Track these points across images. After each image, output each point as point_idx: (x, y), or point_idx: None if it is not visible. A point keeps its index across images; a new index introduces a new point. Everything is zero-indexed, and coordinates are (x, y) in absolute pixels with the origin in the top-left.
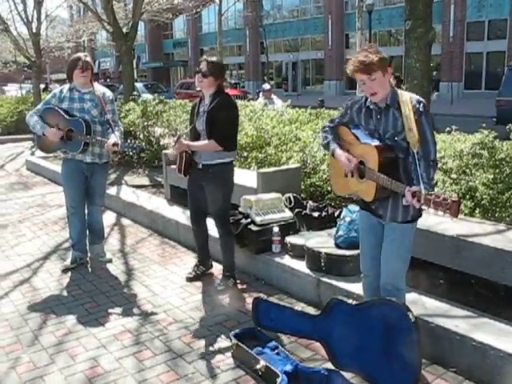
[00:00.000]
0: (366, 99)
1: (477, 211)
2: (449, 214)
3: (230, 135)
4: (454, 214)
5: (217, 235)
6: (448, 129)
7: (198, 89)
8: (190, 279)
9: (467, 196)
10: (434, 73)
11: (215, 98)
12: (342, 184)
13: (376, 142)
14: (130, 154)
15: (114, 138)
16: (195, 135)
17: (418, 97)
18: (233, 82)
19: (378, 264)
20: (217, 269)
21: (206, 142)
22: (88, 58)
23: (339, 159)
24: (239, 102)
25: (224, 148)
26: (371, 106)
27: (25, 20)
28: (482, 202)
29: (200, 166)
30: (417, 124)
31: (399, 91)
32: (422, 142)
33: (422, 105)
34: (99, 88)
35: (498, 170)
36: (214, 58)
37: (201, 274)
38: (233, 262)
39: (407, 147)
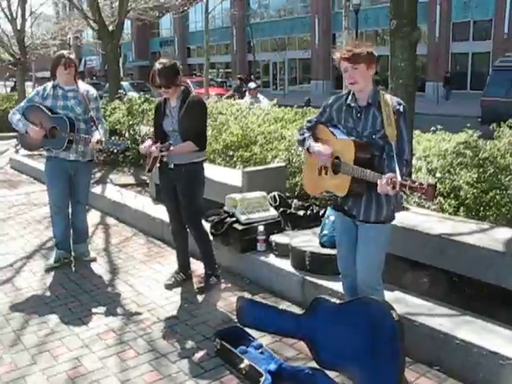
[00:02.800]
0: (347, 97)
1: (461, 210)
2: (424, 198)
3: (204, 135)
4: (430, 197)
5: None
6: (433, 128)
7: (182, 87)
8: (169, 286)
9: (451, 195)
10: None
11: (184, 99)
12: (314, 182)
13: (353, 138)
14: (115, 151)
15: (98, 135)
16: (162, 135)
17: (398, 99)
18: (219, 80)
19: (354, 264)
20: (200, 268)
21: (184, 143)
22: (72, 56)
23: (314, 150)
24: (226, 101)
25: (199, 148)
26: (352, 104)
27: (9, 17)
28: (466, 201)
29: (171, 166)
30: (396, 123)
31: (381, 92)
32: (398, 140)
33: (402, 106)
34: (83, 86)
35: (481, 169)
36: (160, 66)
37: (181, 282)
38: (213, 260)
39: (383, 145)
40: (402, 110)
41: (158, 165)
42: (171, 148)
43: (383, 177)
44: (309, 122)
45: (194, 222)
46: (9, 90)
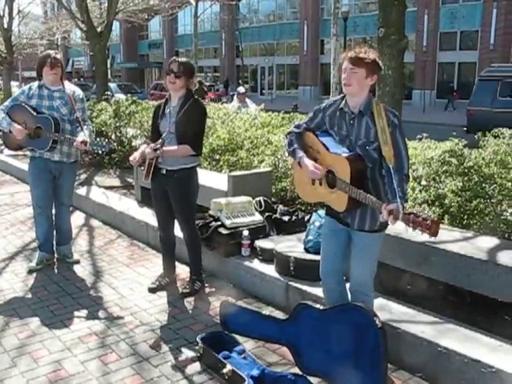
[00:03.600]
0: (341, 102)
1: (445, 218)
2: (428, 234)
3: (201, 140)
4: (433, 234)
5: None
6: (419, 136)
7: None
8: (152, 290)
9: (436, 203)
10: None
11: (186, 101)
12: (309, 191)
13: (346, 153)
14: (100, 152)
15: (83, 136)
16: (158, 137)
17: (392, 109)
18: (207, 84)
19: (336, 269)
20: (185, 272)
21: (180, 146)
22: (58, 55)
23: (307, 169)
24: (213, 105)
25: (195, 153)
26: (345, 109)
27: None
28: (451, 210)
29: (164, 172)
30: (391, 137)
31: (374, 102)
32: (396, 156)
33: (396, 119)
34: (69, 86)
35: (466, 178)
36: (184, 59)
37: (165, 286)
38: (200, 265)
39: (377, 158)
40: (397, 122)
41: (153, 169)
42: (164, 148)
43: (384, 207)
44: (297, 127)
45: (187, 226)
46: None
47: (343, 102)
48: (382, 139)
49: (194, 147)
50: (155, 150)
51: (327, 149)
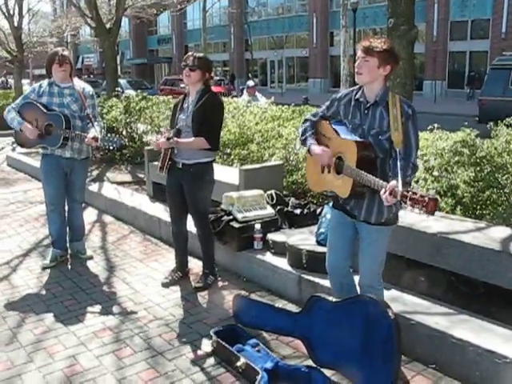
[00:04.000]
0: (357, 92)
1: (458, 209)
2: (425, 212)
3: (217, 135)
4: (431, 211)
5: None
6: (430, 127)
7: (182, 85)
8: (165, 284)
9: (448, 194)
10: None
11: (203, 95)
12: (317, 180)
13: (356, 138)
14: (111, 148)
15: (94, 132)
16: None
17: (408, 101)
18: (217, 78)
19: (342, 262)
20: (198, 266)
21: (196, 138)
22: (66, 52)
23: (314, 153)
24: (223, 99)
25: (211, 147)
26: (361, 99)
27: (6, 14)
28: (463, 200)
29: (180, 166)
30: (403, 126)
31: (391, 92)
32: (405, 144)
33: (411, 109)
34: (79, 83)
35: (478, 168)
36: (201, 54)
37: (178, 280)
38: (213, 259)
39: (389, 148)
40: (410, 112)
41: (169, 162)
42: (179, 140)
43: (385, 185)
44: (313, 115)
45: (201, 221)
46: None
47: (360, 92)
48: (393, 126)
49: (209, 140)
50: (168, 139)
51: (338, 134)
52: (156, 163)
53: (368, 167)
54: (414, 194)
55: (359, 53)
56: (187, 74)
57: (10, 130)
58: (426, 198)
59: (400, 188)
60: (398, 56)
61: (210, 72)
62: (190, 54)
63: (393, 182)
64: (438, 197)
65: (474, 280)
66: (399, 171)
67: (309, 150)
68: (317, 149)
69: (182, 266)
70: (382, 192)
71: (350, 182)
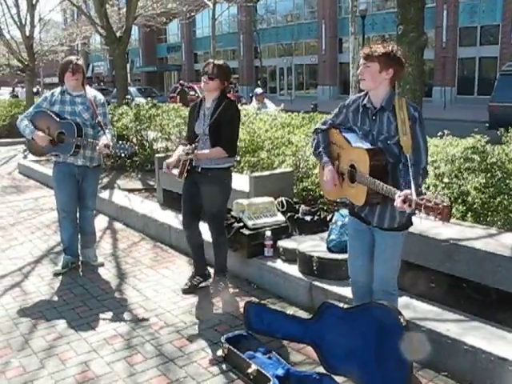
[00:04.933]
0: (364, 98)
1: (468, 215)
2: (440, 219)
3: (234, 142)
4: (445, 218)
5: (209, 239)
6: (440, 133)
7: (192, 93)
8: (185, 291)
9: (459, 200)
10: None
11: (220, 102)
12: (332, 188)
13: (367, 145)
14: (122, 155)
15: (106, 139)
16: (194, 138)
17: (413, 104)
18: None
19: (365, 269)
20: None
21: (213, 149)
22: (79, 61)
23: (326, 175)
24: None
25: (229, 154)
26: (368, 105)
27: (18, 23)
28: (474, 206)
29: (199, 170)
30: (411, 130)
31: (397, 96)
32: (414, 149)
33: (417, 113)
34: (91, 91)
35: (489, 175)
36: (220, 62)
37: (197, 285)
38: (225, 265)
39: (398, 153)
40: (417, 115)
41: (188, 168)
42: (197, 151)
43: (399, 193)
44: (323, 124)
45: (217, 227)
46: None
47: (366, 97)
48: (402, 130)
49: (227, 149)
50: (187, 153)
51: (349, 143)
52: (175, 171)
53: (380, 173)
54: (428, 201)
55: (361, 60)
56: (206, 82)
57: (21, 138)
58: (440, 206)
59: (414, 197)
60: (400, 59)
61: (228, 80)
62: (210, 61)
63: (406, 191)
64: (451, 203)
65: (485, 286)
66: (411, 179)
67: (323, 167)
68: (329, 174)
69: (200, 271)
70: (396, 201)
71: (365, 191)
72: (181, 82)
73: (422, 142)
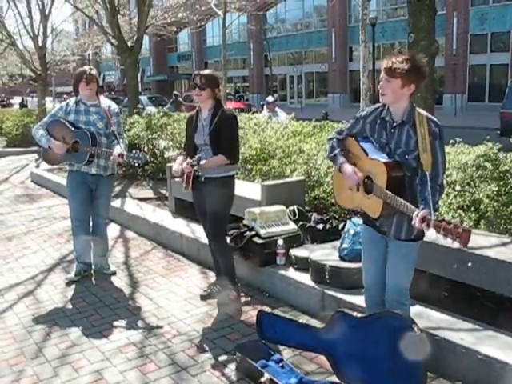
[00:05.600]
0: (382, 110)
1: (481, 223)
2: (458, 242)
3: (236, 148)
4: (464, 243)
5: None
6: (452, 141)
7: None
8: (203, 297)
9: (472, 208)
10: None
11: (216, 111)
12: (346, 197)
13: (385, 159)
14: (135, 165)
15: (120, 149)
16: (193, 149)
17: (435, 119)
18: (237, 95)
19: (380, 278)
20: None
21: (215, 157)
22: (93, 72)
23: (345, 171)
24: (243, 115)
25: (231, 161)
26: (387, 118)
27: (31, 34)
28: (487, 215)
29: (203, 179)
30: (431, 146)
31: (417, 110)
32: (432, 164)
33: (438, 128)
34: (105, 101)
35: (502, 182)
36: (206, 71)
37: (215, 293)
38: (233, 275)
39: (415, 167)
40: (438, 131)
41: (193, 179)
42: (202, 162)
43: (417, 212)
44: (339, 133)
45: (216, 235)
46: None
47: (385, 110)
48: (422, 147)
49: (229, 156)
50: (192, 165)
51: (366, 154)
52: (178, 179)
53: (397, 187)
54: (448, 223)
55: (382, 73)
56: (198, 94)
57: (33, 147)
58: (460, 230)
59: (432, 217)
60: (423, 71)
61: (218, 87)
62: (196, 72)
63: (424, 211)
64: (470, 229)
65: (499, 295)
66: (429, 197)
67: (340, 169)
68: (349, 169)
69: (220, 280)
70: (414, 220)
71: (381, 203)
72: (175, 92)
73: (441, 159)
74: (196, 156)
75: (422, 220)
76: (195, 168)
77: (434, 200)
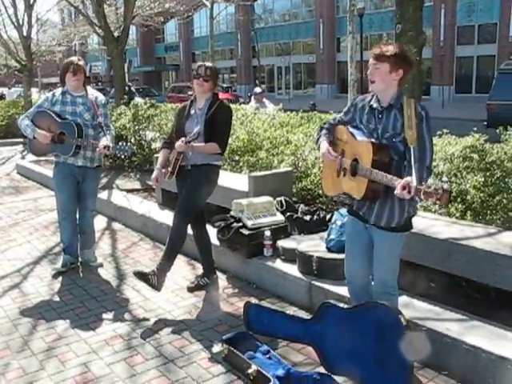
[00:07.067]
0: (371, 99)
1: (468, 214)
2: (439, 204)
3: (227, 140)
4: (445, 202)
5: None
6: (439, 132)
7: (190, 93)
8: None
9: (458, 199)
10: None
11: (213, 102)
12: (332, 183)
13: (372, 140)
14: (122, 157)
15: (106, 140)
16: (180, 136)
17: (422, 104)
18: (225, 85)
19: (363, 270)
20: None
21: (208, 144)
22: (80, 62)
23: (321, 149)
24: (231, 106)
25: (222, 151)
26: (374, 105)
27: (15, 23)
28: (473, 205)
29: (189, 167)
30: (417, 128)
31: (406, 96)
32: (419, 146)
33: (424, 112)
34: (92, 92)
35: (488, 173)
36: (210, 64)
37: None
38: (209, 262)
39: (403, 151)
40: (424, 114)
41: (178, 166)
42: (194, 144)
43: (399, 180)
44: (333, 119)
45: (181, 212)
46: (14, 96)
47: (374, 98)
48: (407, 124)
49: (221, 145)
50: (187, 142)
51: (354, 138)
52: (164, 170)
53: (383, 169)
54: (428, 187)
55: (370, 60)
56: (201, 84)
57: (19, 139)
58: (440, 191)
59: (414, 183)
60: (410, 59)
61: (217, 81)
62: (201, 64)
63: (407, 178)
64: (451, 189)
65: (485, 286)
66: (414, 171)
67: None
68: (324, 145)
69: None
70: (396, 189)
71: (365, 183)
72: (128, 83)
73: (428, 141)
74: (192, 132)
75: (404, 187)
76: (188, 145)
77: (421, 176)
